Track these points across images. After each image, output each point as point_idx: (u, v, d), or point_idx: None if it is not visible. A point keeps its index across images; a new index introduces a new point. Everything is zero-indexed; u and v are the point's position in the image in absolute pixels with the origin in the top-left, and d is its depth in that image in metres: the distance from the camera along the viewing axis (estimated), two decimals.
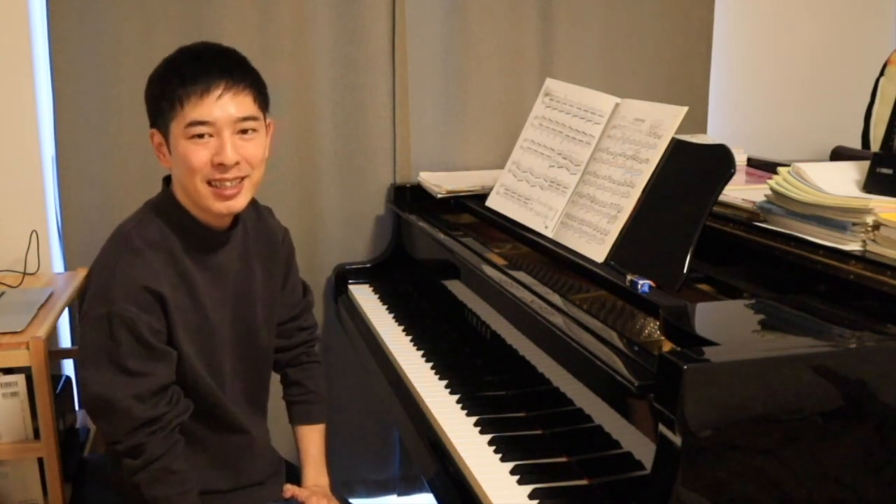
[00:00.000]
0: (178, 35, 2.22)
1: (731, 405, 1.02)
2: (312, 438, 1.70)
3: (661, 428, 1.04)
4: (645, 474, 1.13)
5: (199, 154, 1.39)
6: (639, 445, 1.15)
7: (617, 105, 1.75)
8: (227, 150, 1.39)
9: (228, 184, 1.42)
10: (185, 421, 1.45)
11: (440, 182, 2.25)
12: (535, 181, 1.86)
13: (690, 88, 2.61)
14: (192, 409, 1.46)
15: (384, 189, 2.44)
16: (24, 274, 2.17)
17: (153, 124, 1.46)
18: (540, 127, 1.93)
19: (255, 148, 1.44)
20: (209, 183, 1.41)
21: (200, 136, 1.39)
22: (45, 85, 2.23)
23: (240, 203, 1.45)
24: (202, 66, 1.40)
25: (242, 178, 1.43)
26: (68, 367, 2.30)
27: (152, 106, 1.45)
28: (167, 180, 1.51)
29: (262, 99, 1.47)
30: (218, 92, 1.39)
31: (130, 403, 1.37)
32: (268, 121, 1.49)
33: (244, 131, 1.42)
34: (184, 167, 1.41)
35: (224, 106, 1.39)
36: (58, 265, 2.33)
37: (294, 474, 1.70)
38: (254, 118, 1.43)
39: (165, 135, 1.43)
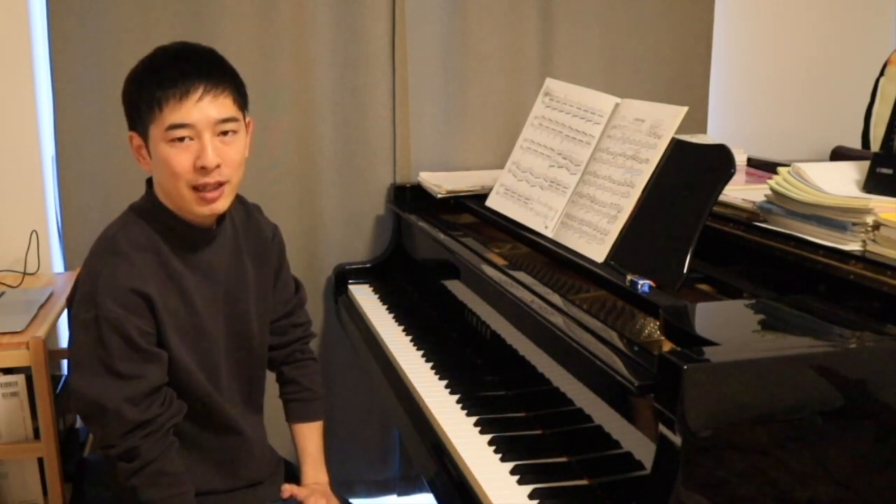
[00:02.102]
0: (179, 35, 2.19)
1: (731, 405, 1.02)
2: (310, 436, 1.69)
3: (661, 428, 1.04)
4: (645, 474, 1.13)
5: (180, 158, 1.38)
6: (639, 445, 1.15)
7: (617, 105, 1.75)
8: (208, 152, 1.38)
9: (210, 190, 1.41)
10: (179, 422, 1.45)
11: (440, 182, 2.25)
12: (535, 181, 1.86)
13: (690, 88, 2.61)
14: (185, 410, 1.46)
15: (384, 189, 2.44)
16: (24, 274, 2.17)
17: (132, 127, 1.44)
18: (540, 127, 1.93)
19: (236, 151, 1.42)
20: (192, 188, 1.40)
21: (181, 139, 1.37)
22: (45, 85, 2.23)
23: (222, 205, 1.44)
24: (180, 68, 1.38)
25: (223, 183, 1.42)
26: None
27: (130, 108, 1.43)
28: (149, 182, 1.50)
29: (242, 99, 1.46)
30: (197, 94, 1.37)
31: (122, 406, 1.36)
32: (247, 119, 1.49)
33: (224, 133, 1.40)
34: (165, 171, 1.40)
35: (204, 108, 1.38)
36: (58, 265, 2.33)
37: (293, 473, 1.70)
38: (234, 119, 1.42)
39: (144, 138, 1.41)
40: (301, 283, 1.78)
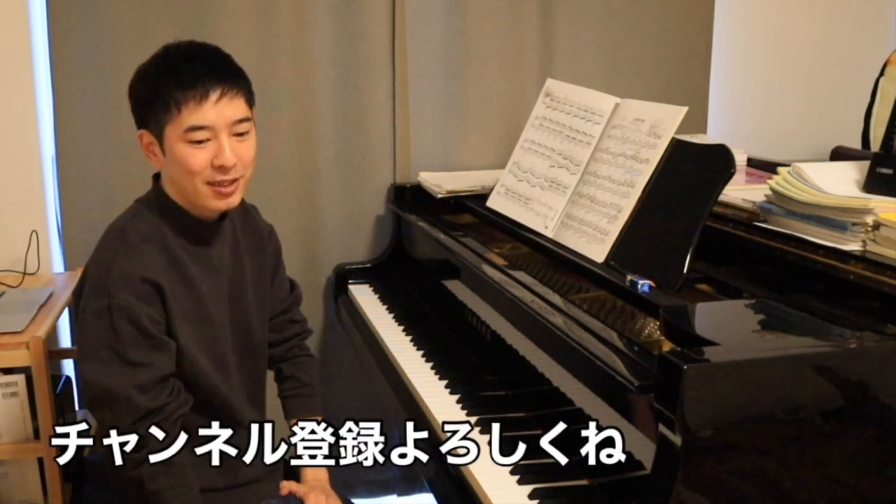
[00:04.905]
0: (179, 35, 2.16)
1: (731, 405, 1.02)
2: None
3: (661, 428, 1.04)
4: (645, 474, 1.13)
5: (198, 158, 1.42)
6: (639, 445, 1.15)
7: (617, 105, 1.75)
8: (227, 152, 1.42)
9: (226, 186, 1.46)
10: (185, 414, 1.46)
11: (440, 182, 2.25)
12: (536, 181, 1.86)
13: (690, 88, 2.61)
14: (191, 401, 1.48)
15: (384, 189, 2.44)
16: (24, 274, 2.17)
17: (142, 125, 1.47)
18: (540, 127, 1.93)
19: (249, 148, 1.47)
20: (208, 183, 1.45)
21: (199, 140, 1.42)
22: (45, 85, 2.23)
23: (236, 200, 1.49)
24: (196, 70, 1.41)
25: (238, 179, 1.47)
26: (68, 367, 2.30)
27: (141, 107, 1.46)
28: (156, 176, 1.54)
29: (252, 98, 1.50)
30: (215, 96, 1.41)
31: (132, 393, 1.38)
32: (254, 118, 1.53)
33: (239, 133, 1.45)
34: (182, 169, 1.44)
35: (221, 110, 1.42)
36: (58, 265, 2.33)
37: (293, 470, 1.70)
38: (248, 119, 1.47)
39: (159, 136, 1.44)
40: (296, 282, 1.82)
